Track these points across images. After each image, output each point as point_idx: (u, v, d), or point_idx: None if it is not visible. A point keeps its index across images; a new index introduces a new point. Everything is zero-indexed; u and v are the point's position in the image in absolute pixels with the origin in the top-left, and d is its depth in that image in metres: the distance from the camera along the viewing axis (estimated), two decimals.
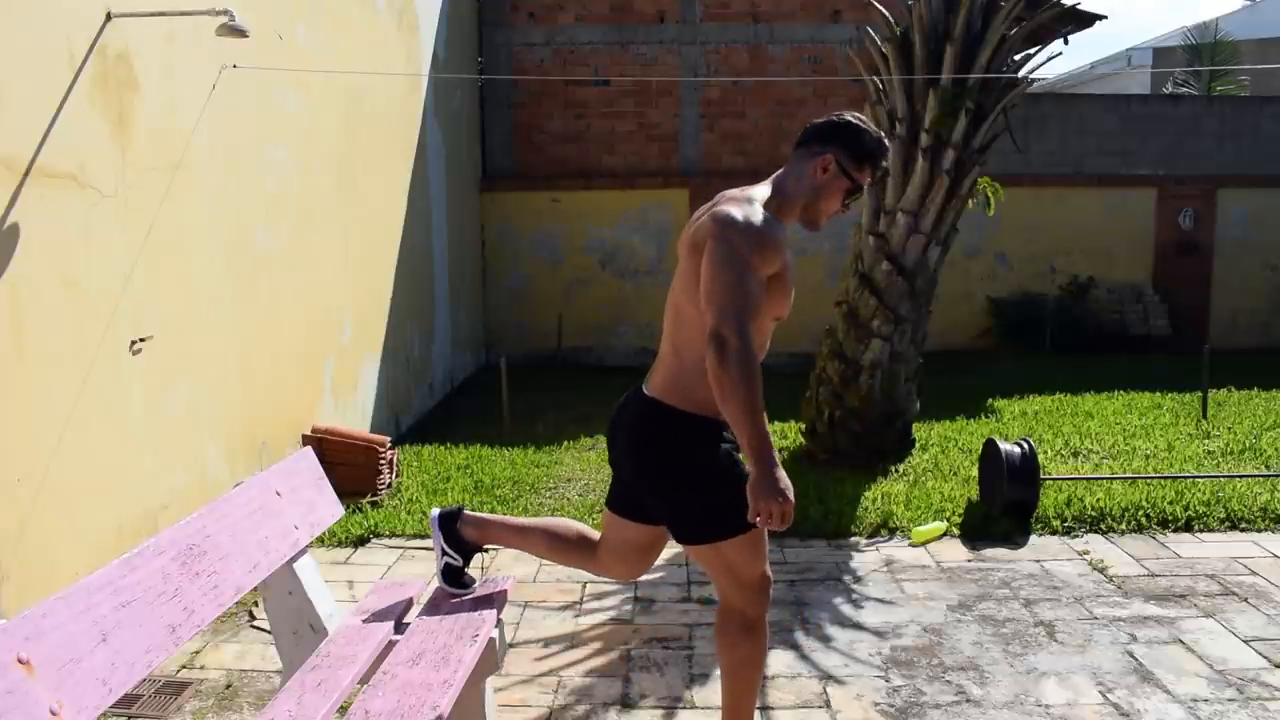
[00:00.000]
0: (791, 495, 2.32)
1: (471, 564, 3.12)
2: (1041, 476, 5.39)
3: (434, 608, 3.01)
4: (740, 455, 2.65)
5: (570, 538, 3.05)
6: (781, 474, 2.31)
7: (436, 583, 3.12)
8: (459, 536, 3.06)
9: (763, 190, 2.60)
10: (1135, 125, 12.02)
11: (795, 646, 3.95)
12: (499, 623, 3.00)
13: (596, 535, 3.05)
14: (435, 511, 3.12)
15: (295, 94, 5.94)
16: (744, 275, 2.37)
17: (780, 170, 2.69)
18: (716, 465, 2.60)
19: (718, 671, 3.69)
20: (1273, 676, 3.67)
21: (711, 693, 3.55)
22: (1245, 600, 4.39)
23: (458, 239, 10.19)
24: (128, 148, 4.25)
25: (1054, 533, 5.32)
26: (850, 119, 2.67)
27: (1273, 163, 12.07)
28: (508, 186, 11.53)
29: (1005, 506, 5.35)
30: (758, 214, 2.48)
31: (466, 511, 3.10)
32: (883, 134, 2.69)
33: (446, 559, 3.07)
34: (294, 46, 5.90)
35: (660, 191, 11.50)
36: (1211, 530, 5.35)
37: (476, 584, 3.11)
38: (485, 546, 3.09)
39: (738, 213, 2.45)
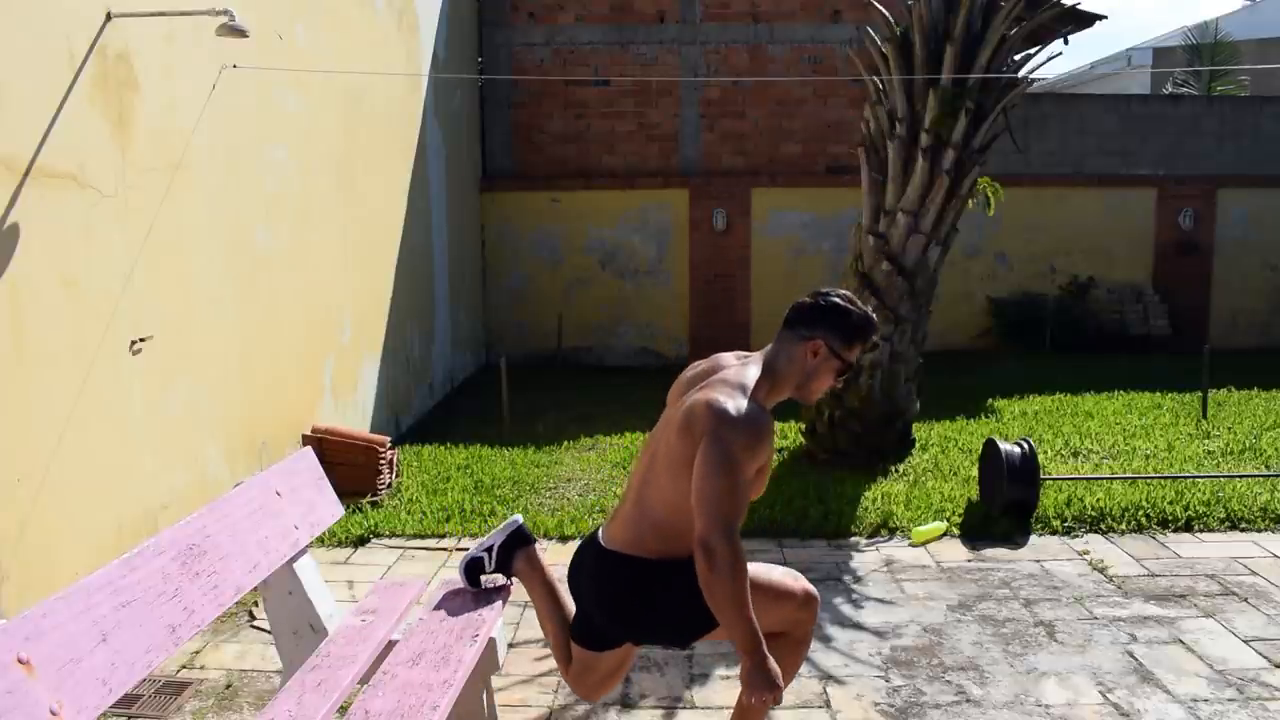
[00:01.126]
0: (781, 682, 2.44)
1: (490, 575, 3.09)
2: (1041, 476, 5.39)
3: (434, 608, 3.01)
4: None
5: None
6: (773, 665, 2.42)
7: (443, 574, 3.11)
8: (510, 556, 3.05)
9: (754, 373, 2.59)
10: (1135, 125, 12.02)
11: None
12: (499, 623, 3.00)
13: None
14: (519, 519, 3.12)
15: (295, 94, 5.94)
16: (735, 482, 2.41)
17: (770, 348, 2.67)
18: (684, 587, 2.60)
19: (718, 671, 3.70)
20: (1273, 676, 3.67)
21: (711, 693, 3.55)
22: (1245, 600, 4.39)
23: (458, 239, 10.19)
24: (128, 148, 4.25)
25: (1054, 533, 5.32)
26: (836, 300, 2.66)
27: (1273, 163, 12.06)
28: (508, 186, 11.53)
29: (1005, 506, 5.35)
30: (751, 411, 2.47)
31: (536, 549, 3.08)
32: (869, 311, 2.69)
33: (484, 556, 3.05)
34: (294, 46, 5.90)
35: (660, 191, 11.50)
36: (1211, 530, 5.35)
37: (484, 584, 3.10)
38: (514, 579, 3.08)
39: (732, 408, 2.46)
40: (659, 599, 2.62)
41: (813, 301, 2.67)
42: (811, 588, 2.77)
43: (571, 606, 2.94)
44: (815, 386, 2.67)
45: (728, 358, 2.72)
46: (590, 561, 2.77)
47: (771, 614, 2.72)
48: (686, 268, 11.52)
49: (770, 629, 2.77)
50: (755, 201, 11.47)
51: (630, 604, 2.69)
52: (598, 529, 2.82)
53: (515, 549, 3.05)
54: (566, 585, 2.91)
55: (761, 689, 2.40)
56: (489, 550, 3.06)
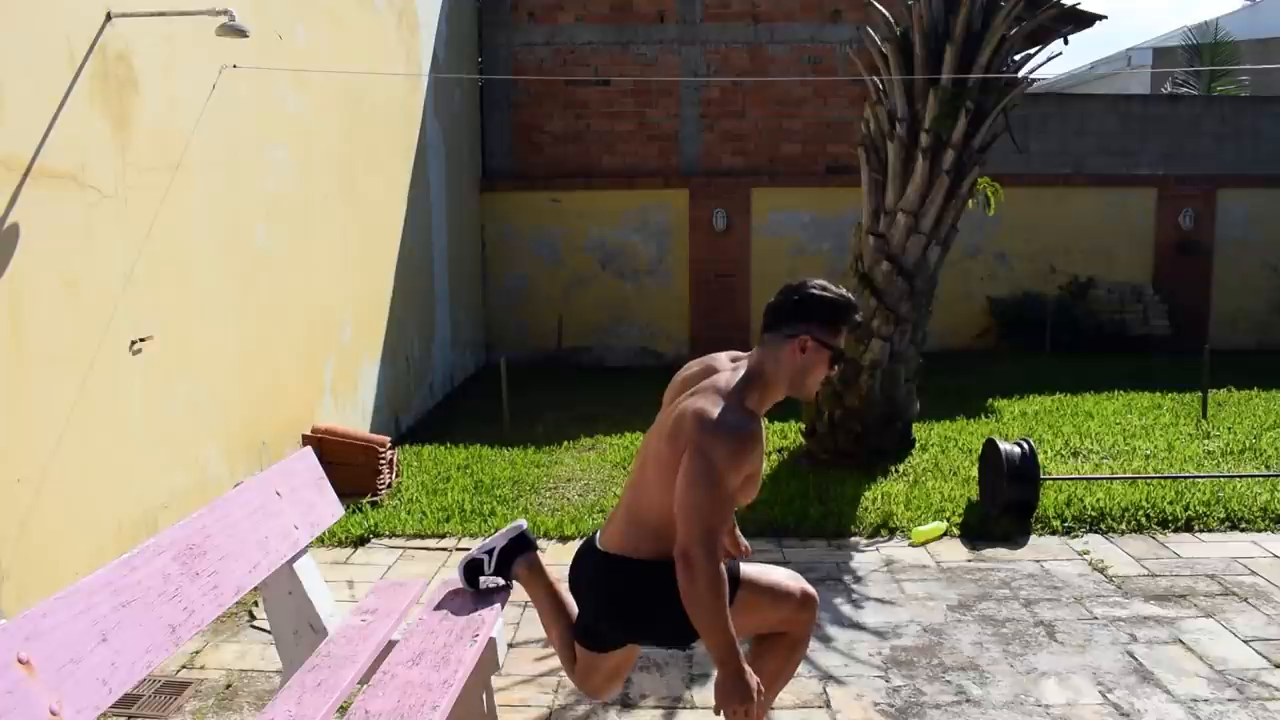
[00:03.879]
0: (760, 695, 2.43)
1: (490, 577, 3.09)
2: (1041, 476, 5.39)
3: (434, 608, 3.01)
4: None
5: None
6: (750, 677, 2.42)
7: (443, 574, 3.11)
8: (510, 562, 3.04)
9: (743, 380, 2.57)
10: (1135, 125, 12.01)
11: None
12: (499, 623, 3.00)
13: None
14: (523, 524, 3.12)
15: (295, 94, 5.94)
16: (716, 495, 2.40)
17: (756, 354, 2.63)
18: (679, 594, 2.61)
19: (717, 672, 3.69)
20: (1273, 676, 3.67)
21: (711, 693, 3.53)
22: (1245, 600, 4.39)
23: (458, 239, 10.19)
24: (128, 148, 4.25)
25: (1054, 533, 5.32)
26: (811, 290, 2.61)
27: (1273, 163, 12.06)
28: (508, 186, 11.53)
29: (1005, 506, 5.35)
30: (737, 422, 2.45)
31: (538, 554, 3.07)
32: (844, 291, 2.63)
33: (485, 558, 3.05)
34: (294, 46, 5.90)
35: (660, 191, 11.50)
36: (1211, 530, 5.35)
37: (482, 585, 3.10)
38: (514, 583, 3.08)
39: (719, 419, 2.44)
40: (655, 601, 2.62)
41: (786, 298, 2.62)
42: (810, 588, 2.77)
43: (574, 608, 2.94)
44: (811, 381, 2.64)
45: (722, 360, 2.70)
46: (588, 565, 2.77)
47: (770, 614, 2.73)
48: (686, 268, 11.52)
49: (769, 629, 2.78)
50: (755, 201, 11.47)
51: (627, 606, 2.69)
52: (595, 532, 2.83)
53: (516, 554, 3.04)
54: (567, 586, 2.91)
55: (735, 700, 2.41)
56: (489, 553, 3.06)
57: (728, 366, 2.65)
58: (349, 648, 2.71)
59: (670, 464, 2.49)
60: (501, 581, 3.07)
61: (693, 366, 2.74)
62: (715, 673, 2.42)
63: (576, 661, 2.92)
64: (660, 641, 2.80)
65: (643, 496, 2.63)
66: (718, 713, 2.47)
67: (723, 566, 2.42)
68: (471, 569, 3.06)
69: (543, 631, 4.07)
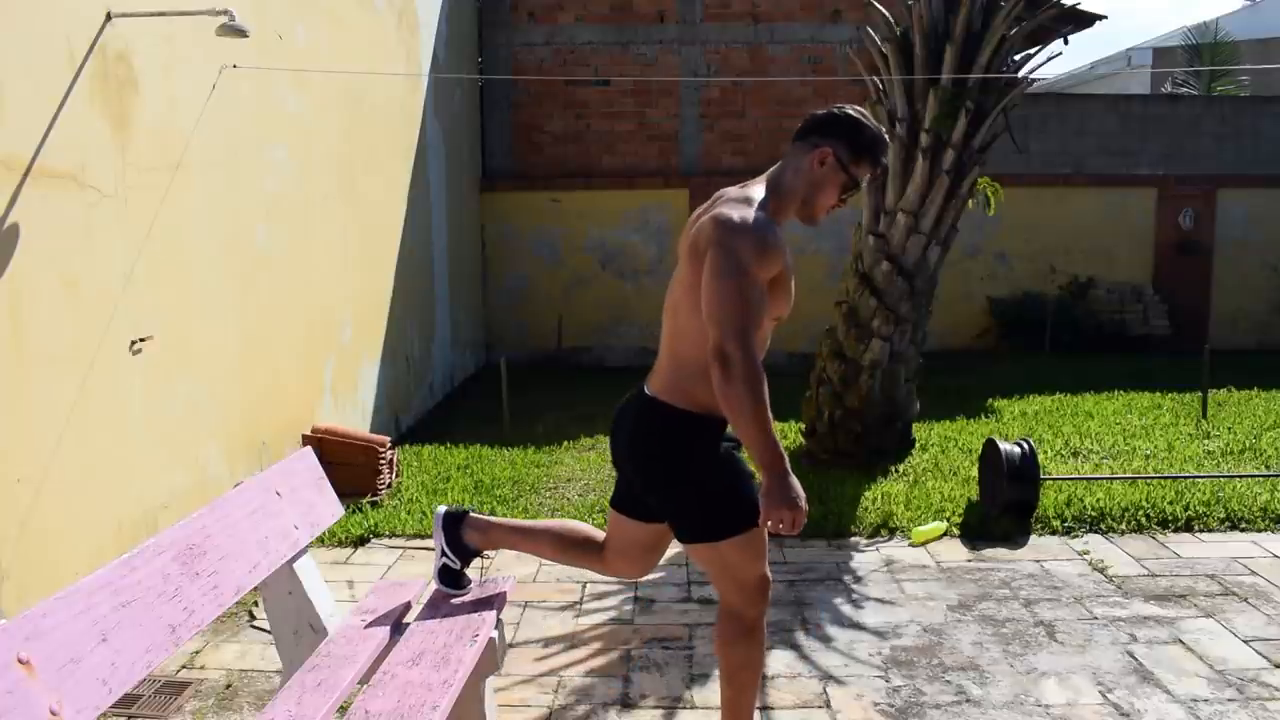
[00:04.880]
0: (804, 503, 2.35)
1: (470, 566, 3.11)
2: (1041, 476, 5.39)
3: (434, 608, 3.01)
4: (742, 454, 2.67)
5: (577, 539, 3.04)
6: (794, 482, 2.34)
7: (434, 583, 3.12)
8: (461, 540, 3.05)
9: (759, 190, 2.57)
10: (1135, 125, 12.01)
11: (795, 646, 3.95)
12: (499, 623, 3.00)
13: (602, 535, 3.05)
14: (441, 509, 3.10)
15: (295, 94, 5.94)
16: (745, 286, 2.35)
17: (777, 165, 2.66)
18: (716, 464, 2.59)
19: (717, 672, 3.69)
20: (1273, 676, 3.67)
21: (711, 693, 3.55)
22: (1245, 600, 4.39)
23: (458, 239, 10.19)
24: (128, 148, 4.25)
25: (1054, 533, 5.32)
26: (850, 111, 2.63)
27: (1273, 163, 12.06)
28: (508, 186, 11.53)
29: (1005, 506, 5.35)
30: (757, 218, 2.45)
31: (472, 514, 3.08)
32: (882, 129, 2.66)
33: (445, 560, 3.06)
34: (294, 46, 5.90)
35: (660, 191, 11.50)
36: (1211, 530, 5.35)
37: (472, 585, 3.10)
38: (486, 553, 3.07)
39: (736, 216, 2.43)
40: (691, 458, 2.56)
41: (827, 111, 2.63)
42: (768, 572, 2.71)
43: (545, 522, 3.00)
44: (820, 201, 2.62)
45: (730, 189, 2.68)
46: (634, 405, 2.74)
47: (744, 569, 2.67)
48: None
49: (727, 590, 2.71)
50: None
51: (662, 451, 2.63)
52: (641, 385, 2.78)
53: (458, 531, 3.04)
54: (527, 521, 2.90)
55: (780, 506, 2.32)
56: (444, 553, 3.05)
57: (735, 189, 2.64)
58: (349, 648, 2.71)
59: (696, 283, 2.44)
60: (478, 559, 3.07)
61: (701, 207, 2.72)
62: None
63: (600, 546, 2.91)
64: (680, 508, 2.68)
65: (680, 336, 2.58)
66: (764, 523, 2.38)
67: (759, 363, 2.34)
68: (447, 576, 3.06)
69: (542, 632, 4.09)
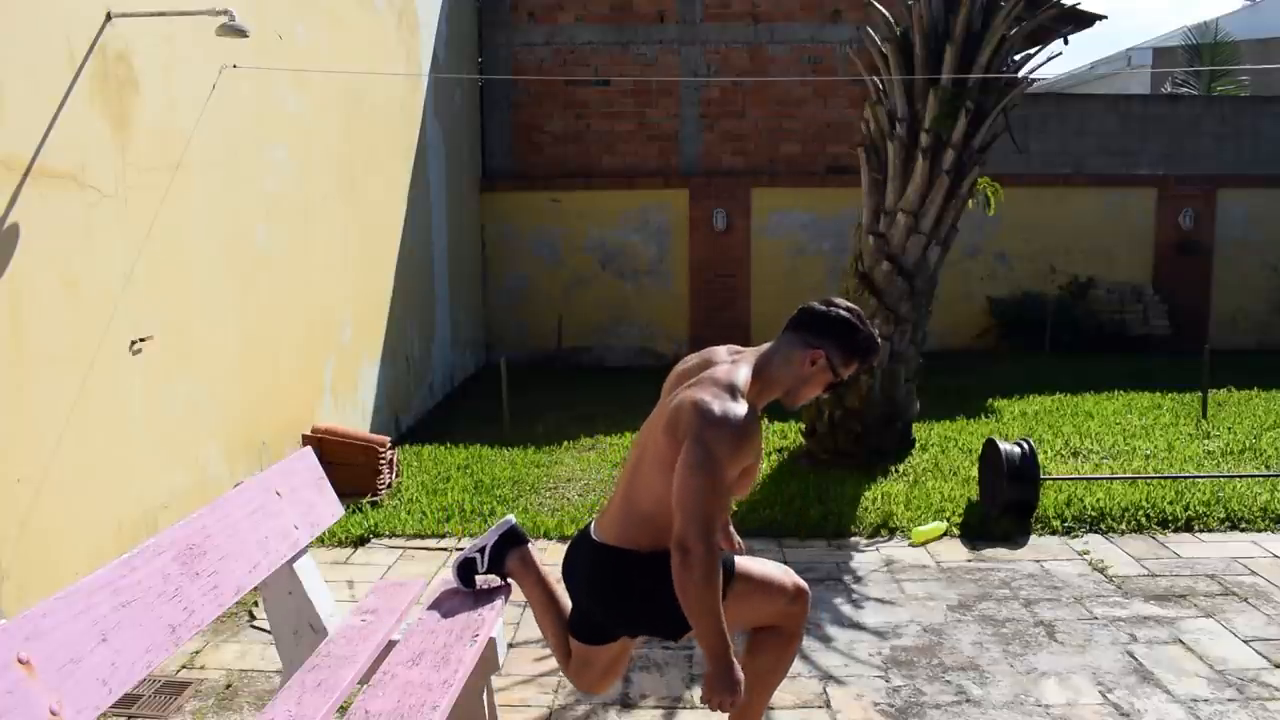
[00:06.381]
0: (742, 688, 2.45)
1: (488, 576, 3.09)
2: (1041, 476, 5.39)
3: (434, 608, 3.00)
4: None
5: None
6: (737, 672, 2.43)
7: (443, 574, 3.11)
8: (504, 556, 3.05)
9: (744, 373, 2.58)
10: (1135, 125, 12.01)
11: None
12: (499, 623, 3.00)
13: None
14: (512, 520, 3.11)
15: (295, 94, 5.94)
16: (715, 484, 2.40)
17: (768, 348, 2.67)
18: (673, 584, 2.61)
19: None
20: (1273, 676, 3.67)
21: None
22: (1245, 600, 4.39)
23: (458, 239, 10.19)
24: (128, 148, 4.25)
25: (1054, 533, 5.32)
26: (846, 316, 2.65)
27: (1273, 163, 12.06)
28: (508, 186, 11.53)
29: (1005, 506, 5.35)
30: (738, 411, 2.46)
31: (530, 549, 3.08)
32: (875, 333, 2.69)
33: (476, 556, 3.05)
34: (294, 46, 5.90)
35: (660, 191, 11.50)
36: (1211, 530, 5.35)
37: (479, 585, 3.10)
38: (510, 580, 3.08)
39: (718, 409, 2.45)
40: (650, 590, 2.61)
41: (825, 310, 2.66)
42: (802, 583, 2.77)
43: (568, 603, 2.94)
44: (804, 393, 2.68)
45: (720, 353, 2.71)
46: (583, 554, 2.77)
47: (763, 607, 2.73)
48: (686, 268, 11.52)
49: (761, 622, 2.78)
50: (755, 201, 11.47)
51: (621, 595, 2.69)
52: (590, 523, 2.83)
53: (508, 549, 3.04)
54: (562, 582, 2.91)
55: (723, 692, 2.42)
56: (481, 551, 3.05)
57: (726, 360, 2.66)
58: (349, 648, 2.71)
59: (668, 455, 2.50)
60: (496, 579, 3.07)
61: (691, 359, 2.75)
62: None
63: (571, 657, 2.92)
64: (653, 631, 2.80)
65: (639, 487, 2.63)
66: (704, 702, 2.48)
67: (718, 556, 2.42)
68: (465, 568, 3.06)
69: (540, 630, 4.09)
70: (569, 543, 2.89)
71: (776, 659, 2.78)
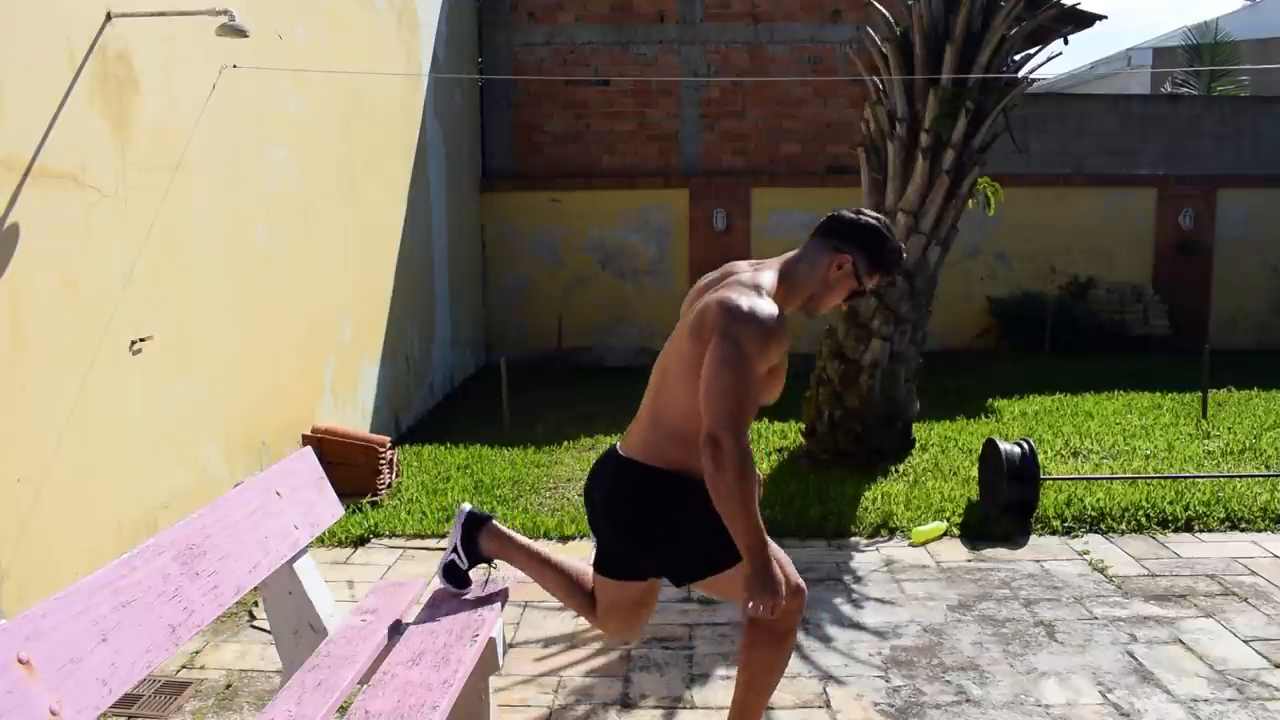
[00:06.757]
0: (783, 590, 2.41)
1: (475, 568, 3.11)
2: (1041, 476, 5.39)
3: (434, 608, 3.01)
4: None
5: (585, 587, 3.00)
6: (776, 571, 2.39)
7: (437, 579, 3.12)
8: (476, 542, 3.05)
9: (769, 276, 2.56)
10: (1135, 125, 12.01)
11: (795, 646, 3.94)
12: (499, 623, 3.00)
13: None
14: (466, 508, 3.11)
15: (295, 94, 5.94)
16: (744, 379, 2.37)
17: (793, 255, 2.66)
18: (698, 511, 2.58)
19: (718, 671, 3.70)
20: (1273, 676, 3.67)
21: (711, 693, 3.55)
22: (1245, 600, 4.39)
23: (458, 239, 10.19)
24: (128, 148, 4.25)
25: (1054, 533, 5.32)
26: (876, 224, 2.65)
27: (1273, 163, 12.06)
28: (508, 186, 11.53)
29: (1005, 506, 5.35)
30: (766, 307, 2.44)
31: (495, 522, 3.08)
32: (902, 246, 2.66)
33: (454, 557, 3.06)
34: (294, 46, 5.90)
35: (660, 191, 11.50)
36: (1211, 530, 5.35)
37: (473, 585, 3.10)
38: (495, 561, 3.07)
39: (745, 304, 2.42)
40: (666, 514, 2.58)
41: (854, 217, 2.65)
42: (802, 581, 2.74)
43: (562, 559, 2.96)
44: (827, 300, 2.66)
45: (741, 264, 2.68)
46: (608, 469, 2.74)
47: None
48: (686, 268, 11.52)
49: None
50: (755, 201, 11.47)
51: (638, 513, 2.64)
52: (615, 444, 2.78)
53: (476, 535, 3.04)
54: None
55: (761, 594, 2.36)
56: (455, 550, 3.06)
57: (747, 269, 2.64)
58: (349, 648, 2.71)
59: (694, 359, 2.45)
60: (486, 568, 3.07)
61: (709, 275, 2.72)
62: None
63: (597, 603, 2.89)
64: (661, 564, 2.72)
65: (665, 401, 2.59)
66: (744, 605, 2.41)
67: (750, 452, 2.37)
68: (451, 573, 3.06)
69: (542, 632, 4.09)
70: (594, 463, 2.85)
71: (772, 658, 2.75)
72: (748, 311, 2.41)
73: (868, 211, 2.69)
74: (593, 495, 2.80)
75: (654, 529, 2.65)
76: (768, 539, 2.39)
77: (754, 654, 2.75)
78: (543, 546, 2.96)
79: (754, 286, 2.50)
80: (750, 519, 2.35)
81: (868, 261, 2.61)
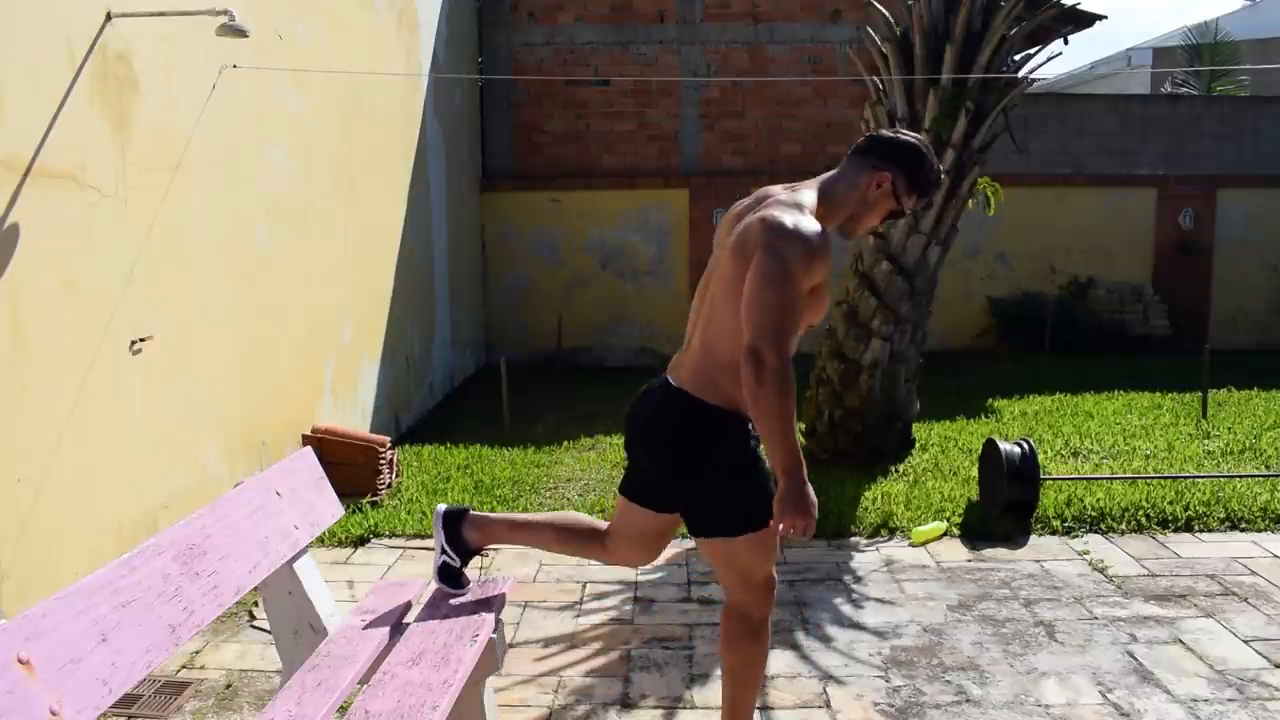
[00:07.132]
0: (816, 511, 2.38)
1: (469, 565, 3.12)
2: (1041, 476, 5.39)
3: (434, 608, 3.01)
4: (764, 454, 2.67)
5: (578, 529, 3.01)
6: (810, 493, 2.36)
7: (433, 581, 3.13)
8: (460, 538, 3.06)
9: (809, 195, 2.54)
10: (1135, 125, 12.02)
11: (795, 646, 3.95)
12: (499, 623, 3.00)
13: (603, 525, 3.03)
14: (441, 508, 3.11)
15: (295, 94, 5.94)
16: (787, 293, 2.34)
17: (831, 174, 2.64)
18: (737, 460, 2.56)
19: (718, 671, 3.69)
20: (1273, 676, 3.67)
21: (711, 693, 3.55)
22: (1245, 600, 4.39)
23: (458, 239, 10.19)
24: (128, 148, 4.25)
25: (1054, 533, 5.32)
26: (918, 143, 2.63)
27: (1273, 163, 12.07)
28: (508, 186, 11.53)
29: (1005, 506, 5.35)
30: (809, 224, 2.41)
31: (473, 512, 3.09)
32: (940, 168, 2.64)
33: (444, 558, 3.06)
34: (294, 46, 5.90)
35: (660, 191, 11.51)
36: (1211, 530, 5.35)
37: (472, 584, 3.10)
38: (486, 550, 3.07)
39: (789, 221, 2.40)
40: (710, 451, 2.55)
41: (894, 136, 2.64)
42: (773, 572, 2.71)
43: (543, 516, 2.99)
44: (865, 220, 2.63)
45: (775, 188, 2.66)
46: (656, 394, 2.70)
47: (739, 562, 2.67)
48: (686, 268, 11.52)
49: (728, 581, 2.72)
50: None
51: (680, 445, 2.61)
52: (664, 375, 2.74)
53: (458, 530, 3.04)
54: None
55: (794, 513, 2.34)
56: (444, 550, 3.06)
57: (783, 191, 2.62)
58: (349, 648, 2.71)
59: (737, 281, 2.42)
60: (477, 558, 3.07)
61: (744, 200, 2.68)
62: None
63: (601, 534, 2.88)
64: (686, 503, 2.68)
65: (715, 329, 2.55)
66: (777, 523, 2.40)
67: (791, 369, 2.33)
68: (445, 574, 3.06)
69: (542, 632, 4.09)
70: (640, 392, 2.81)
71: (752, 652, 2.73)
72: (791, 228, 2.38)
73: (906, 131, 2.67)
74: (636, 419, 2.76)
75: (692, 464, 2.61)
76: (803, 459, 2.35)
77: (732, 651, 2.74)
78: (521, 514, 2.96)
79: (795, 205, 2.48)
80: (789, 436, 2.32)
81: (907, 180, 2.59)
